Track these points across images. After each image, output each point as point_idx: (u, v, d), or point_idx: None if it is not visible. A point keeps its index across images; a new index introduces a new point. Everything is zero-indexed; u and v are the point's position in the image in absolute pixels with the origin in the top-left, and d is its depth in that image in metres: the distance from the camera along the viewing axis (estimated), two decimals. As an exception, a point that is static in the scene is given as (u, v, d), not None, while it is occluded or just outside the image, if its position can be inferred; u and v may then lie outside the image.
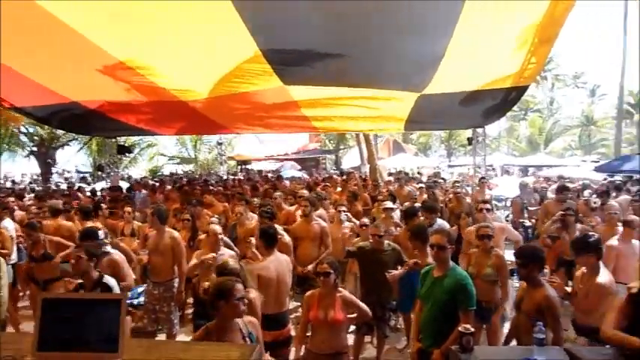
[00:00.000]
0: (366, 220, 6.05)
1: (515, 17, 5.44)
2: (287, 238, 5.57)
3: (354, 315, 3.90)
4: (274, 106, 8.69)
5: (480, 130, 11.90)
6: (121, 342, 1.83)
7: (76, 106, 8.60)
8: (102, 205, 8.42)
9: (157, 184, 15.07)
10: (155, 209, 5.87)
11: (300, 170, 26.42)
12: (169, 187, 13.46)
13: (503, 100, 8.11)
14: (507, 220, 9.51)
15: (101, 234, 5.12)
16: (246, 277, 3.69)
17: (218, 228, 5.04)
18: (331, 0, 4.98)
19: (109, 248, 4.94)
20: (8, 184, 20.47)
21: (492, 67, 6.85)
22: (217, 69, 6.81)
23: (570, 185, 12.04)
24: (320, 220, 6.59)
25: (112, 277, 4.33)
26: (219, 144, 24.55)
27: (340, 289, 3.91)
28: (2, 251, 6.49)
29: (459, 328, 3.09)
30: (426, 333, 3.72)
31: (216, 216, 6.64)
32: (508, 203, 11.95)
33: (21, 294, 6.92)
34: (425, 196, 9.54)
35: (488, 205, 5.96)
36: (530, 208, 9.75)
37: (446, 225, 6.39)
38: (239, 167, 30.52)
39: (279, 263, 4.48)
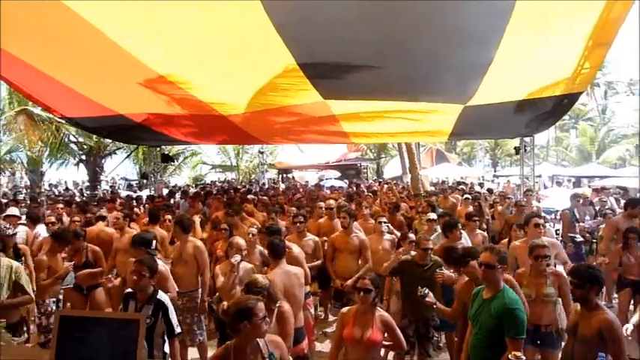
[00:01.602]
0: (412, 236, 5.78)
1: (568, 20, 5.13)
2: (296, 250, 5.31)
3: (389, 343, 3.66)
4: (313, 119, 8.63)
5: (527, 139, 11.43)
6: (138, 365, 1.71)
7: (123, 119, 8.84)
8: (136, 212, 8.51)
9: (201, 192, 15.30)
10: (177, 218, 5.82)
11: (339, 179, 26.24)
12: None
13: (554, 108, 7.74)
14: (558, 234, 8.98)
15: (153, 243, 5.13)
16: (275, 292, 3.54)
17: (242, 241, 4.93)
18: (372, 5, 4.84)
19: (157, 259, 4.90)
20: (56, 191, 21.36)
21: (543, 74, 6.51)
22: (254, 82, 6.82)
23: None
24: (360, 232, 6.39)
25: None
26: (261, 152, 24.75)
27: (379, 308, 3.69)
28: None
29: (510, 356, 2.81)
30: (474, 357, 3.44)
31: (255, 226, 6.53)
32: (558, 216, 11.33)
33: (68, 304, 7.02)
34: (470, 207, 9.17)
35: (538, 220, 5.51)
36: (582, 223, 9.19)
37: (465, 239, 6.07)
38: (280, 176, 30.69)
39: (286, 276, 4.30)
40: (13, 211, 7.89)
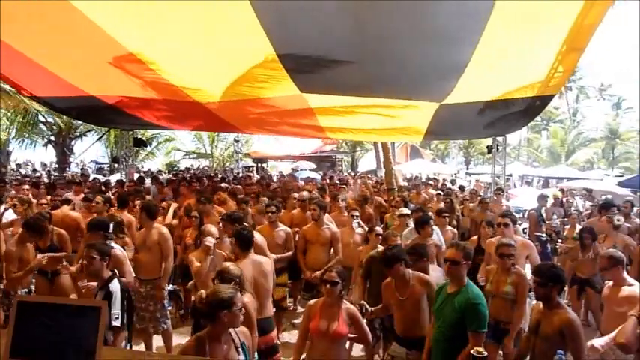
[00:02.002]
0: (378, 229, 5.83)
1: (544, 25, 5.23)
2: (259, 239, 5.25)
3: (354, 336, 3.70)
4: (289, 112, 8.59)
5: (500, 138, 11.64)
6: (97, 353, 1.68)
7: (95, 100, 8.62)
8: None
9: (172, 178, 15.08)
10: (144, 204, 5.73)
11: (314, 170, 26.26)
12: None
13: (526, 109, 7.89)
14: (525, 233, 9.20)
15: (111, 227, 5.03)
16: (244, 281, 3.53)
17: (215, 230, 4.89)
18: (353, 2, 4.83)
19: (112, 243, 4.83)
20: (24, 172, 20.77)
21: (517, 75, 6.63)
22: (231, 70, 6.72)
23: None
24: (331, 224, 6.42)
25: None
26: (236, 141, 24.54)
27: (345, 301, 3.71)
28: None
29: (472, 352, 2.87)
30: (436, 351, 3.50)
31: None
32: (526, 215, 11.62)
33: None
34: (442, 204, 9.30)
35: (507, 220, 5.65)
36: (549, 222, 9.44)
37: (437, 235, 6.17)
38: (256, 165, 30.51)
39: (254, 266, 4.27)
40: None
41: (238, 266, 3.93)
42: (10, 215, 6.97)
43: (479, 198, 9.60)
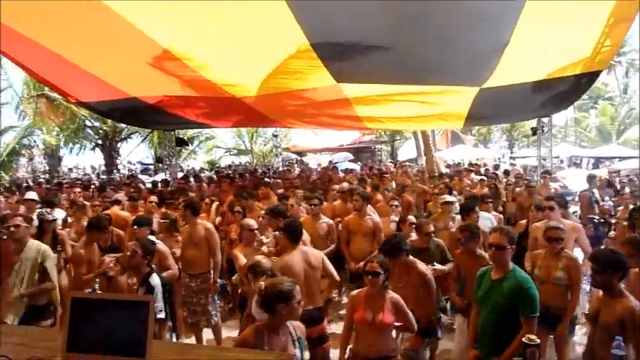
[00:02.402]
0: (411, 218, 5.72)
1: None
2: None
3: (400, 324, 3.67)
4: (326, 103, 8.54)
5: (545, 119, 11.21)
6: (147, 346, 1.73)
7: (136, 101, 8.86)
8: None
9: (213, 176, 15.40)
10: (187, 201, 5.85)
11: (353, 162, 26.15)
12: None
13: (572, 88, 7.55)
14: (575, 216, 8.84)
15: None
16: (276, 274, 3.58)
17: (252, 221, 4.95)
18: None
19: (153, 238, 5.01)
20: (74, 175, 21.70)
21: (561, 54, 6.34)
22: (265, 62, 6.73)
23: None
24: (373, 215, 6.39)
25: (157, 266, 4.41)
26: (275, 136, 24.77)
27: (389, 290, 3.68)
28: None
29: (523, 339, 2.78)
30: (483, 340, 3.43)
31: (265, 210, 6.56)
32: (577, 198, 11.18)
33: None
34: (485, 189, 9.07)
35: (553, 203, 5.44)
36: (602, 203, 9.02)
37: (489, 218, 6.07)
38: (294, 159, 30.71)
39: (304, 257, 4.28)
40: (31, 195, 8.03)
41: (285, 260, 4.01)
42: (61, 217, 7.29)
43: (525, 182, 9.30)
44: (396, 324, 3.64)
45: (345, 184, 8.12)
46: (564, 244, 4.40)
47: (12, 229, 4.43)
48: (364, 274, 3.65)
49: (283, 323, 2.80)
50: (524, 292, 3.22)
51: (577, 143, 36.93)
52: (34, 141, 18.62)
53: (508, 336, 3.19)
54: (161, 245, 4.95)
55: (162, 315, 3.88)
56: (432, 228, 5.07)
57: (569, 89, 7.64)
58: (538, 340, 2.80)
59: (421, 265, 4.23)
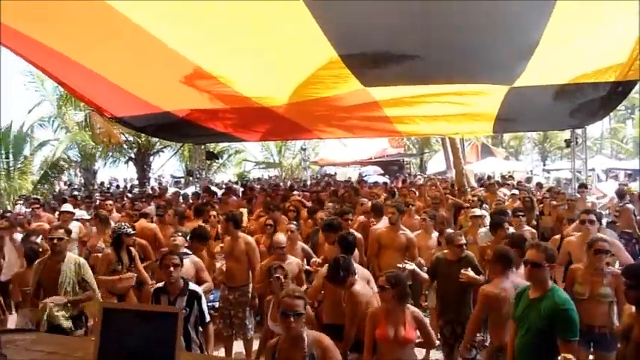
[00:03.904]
0: (449, 231, 5.64)
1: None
2: None
3: (420, 340, 3.58)
4: (355, 107, 8.54)
5: (579, 130, 10.92)
6: (176, 356, 1.73)
7: (168, 115, 9.06)
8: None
9: (242, 189, 15.56)
10: (230, 214, 5.91)
11: (382, 175, 25.98)
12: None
13: (607, 97, 7.32)
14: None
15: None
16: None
17: (282, 238, 4.95)
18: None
19: (186, 250, 5.05)
20: (112, 188, 22.26)
21: (595, 57, 6.14)
22: (295, 76, 6.80)
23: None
24: (407, 230, 6.28)
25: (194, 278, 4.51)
26: (304, 149, 24.89)
27: (409, 305, 3.59)
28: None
29: (559, 358, 2.67)
30: (521, 360, 3.29)
31: (294, 223, 6.57)
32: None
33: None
34: (517, 203, 8.86)
35: (592, 216, 5.23)
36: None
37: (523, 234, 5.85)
38: (333, 173, 30.74)
39: (359, 271, 4.31)
40: (67, 207, 8.28)
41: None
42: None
43: (561, 195, 9.05)
44: (417, 340, 3.56)
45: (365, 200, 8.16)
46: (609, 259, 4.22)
47: (55, 241, 4.58)
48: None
49: (290, 337, 2.76)
50: (563, 314, 3.05)
51: (613, 155, 35.79)
52: (73, 155, 19.19)
53: (546, 357, 3.05)
54: (195, 257, 5.01)
55: (209, 318, 3.99)
56: (463, 240, 4.95)
57: (603, 98, 7.42)
58: (575, 360, 2.67)
59: (357, 286, 4.03)
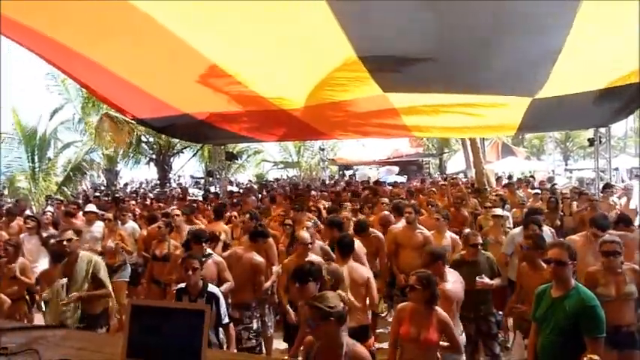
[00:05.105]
0: (467, 231, 5.59)
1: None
2: (357, 245, 5.16)
3: (446, 344, 3.53)
4: (373, 113, 8.51)
5: (603, 129, 10.71)
6: (203, 353, 1.76)
7: (187, 117, 9.16)
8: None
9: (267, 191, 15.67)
10: (252, 214, 5.98)
11: (399, 174, 25.84)
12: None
13: (632, 97, 7.16)
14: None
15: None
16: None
17: (307, 234, 4.98)
18: (434, 1, 4.70)
19: (209, 250, 5.10)
20: (130, 188, 22.62)
21: (621, 61, 6.01)
22: (312, 75, 6.79)
23: None
24: (424, 229, 6.26)
25: (215, 278, 4.55)
26: (322, 149, 24.93)
27: (437, 307, 3.54)
28: (126, 247, 7.12)
29: (585, 359, 2.63)
30: (545, 360, 3.25)
31: (312, 221, 6.60)
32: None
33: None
34: (539, 203, 8.73)
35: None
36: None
37: (549, 234, 5.79)
38: (340, 172, 30.73)
39: (352, 273, 4.31)
40: (91, 207, 8.45)
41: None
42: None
43: (583, 196, 8.88)
44: (443, 344, 3.52)
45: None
46: (628, 257, 4.15)
47: (64, 243, 4.70)
48: (406, 287, 3.58)
49: (322, 339, 2.66)
50: (590, 311, 3.01)
51: (638, 154, 34.98)
52: (97, 155, 19.55)
53: (571, 357, 2.99)
54: (218, 257, 5.06)
55: (227, 319, 4.04)
56: (479, 240, 4.94)
57: (628, 97, 7.27)
58: (600, 360, 2.63)
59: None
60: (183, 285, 4.13)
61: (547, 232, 5.87)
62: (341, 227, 5.41)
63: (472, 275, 4.60)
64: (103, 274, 4.81)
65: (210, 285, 4.12)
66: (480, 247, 4.90)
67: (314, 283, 3.52)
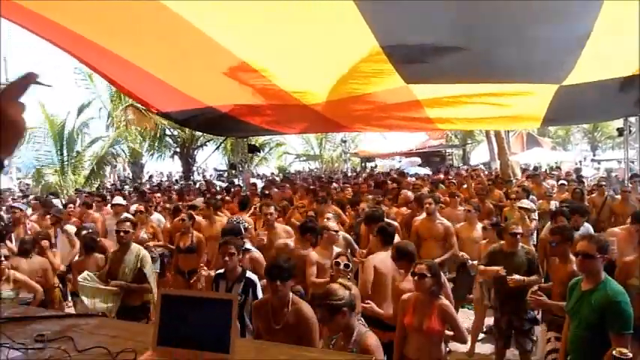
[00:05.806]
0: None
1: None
2: None
3: (451, 333, 3.54)
4: (395, 106, 8.42)
5: (633, 118, 10.41)
6: (232, 343, 1.80)
7: (211, 110, 9.24)
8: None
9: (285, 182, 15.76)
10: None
11: (422, 166, 25.61)
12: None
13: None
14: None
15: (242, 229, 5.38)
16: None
17: (333, 223, 4.98)
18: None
19: (248, 245, 5.07)
20: (155, 181, 22.99)
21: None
22: (336, 69, 6.75)
23: None
24: (444, 219, 6.25)
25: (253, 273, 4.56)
26: (344, 142, 24.88)
27: (441, 297, 3.56)
28: (157, 243, 7.25)
29: (614, 353, 2.58)
30: (574, 354, 3.21)
31: (333, 213, 6.63)
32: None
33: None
34: (565, 194, 8.57)
35: None
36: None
37: (591, 230, 5.65)
38: (363, 164, 30.65)
39: (388, 263, 4.31)
40: (118, 200, 8.63)
41: (373, 261, 4.24)
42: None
43: (600, 189, 8.69)
44: (448, 333, 3.53)
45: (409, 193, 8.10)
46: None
47: (121, 234, 4.82)
48: (412, 275, 3.56)
49: (338, 331, 2.80)
50: (615, 306, 2.95)
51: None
52: (121, 149, 19.90)
53: (599, 351, 2.95)
54: (256, 252, 5.07)
55: None
56: (519, 229, 4.77)
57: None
58: (630, 355, 2.58)
59: (305, 306, 3.41)
60: (222, 270, 4.18)
61: (589, 228, 5.77)
62: (382, 219, 5.42)
63: (508, 268, 4.53)
64: (148, 269, 4.95)
65: (248, 272, 4.15)
66: (518, 236, 4.75)
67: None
